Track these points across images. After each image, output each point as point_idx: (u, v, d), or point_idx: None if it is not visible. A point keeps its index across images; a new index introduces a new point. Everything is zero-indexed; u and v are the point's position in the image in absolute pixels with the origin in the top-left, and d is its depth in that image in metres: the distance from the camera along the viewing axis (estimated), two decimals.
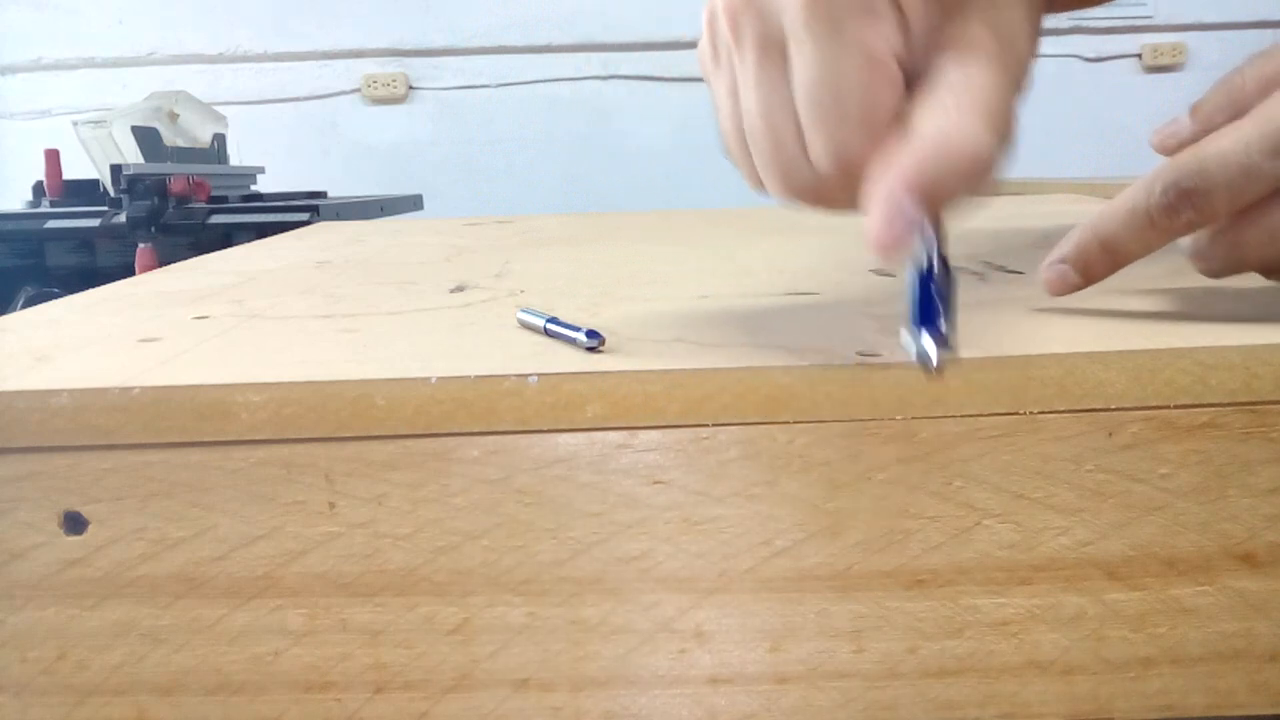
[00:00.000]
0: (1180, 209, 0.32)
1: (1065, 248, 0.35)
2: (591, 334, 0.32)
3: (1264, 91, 0.33)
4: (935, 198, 0.27)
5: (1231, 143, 0.32)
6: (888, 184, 0.27)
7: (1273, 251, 0.33)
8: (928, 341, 0.26)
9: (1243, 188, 0.32)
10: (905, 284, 0.28)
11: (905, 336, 0.27)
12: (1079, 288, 0.35)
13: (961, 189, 0.28)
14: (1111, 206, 0.34)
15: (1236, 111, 0.33)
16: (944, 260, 0.28)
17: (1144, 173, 0.34)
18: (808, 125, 0.29)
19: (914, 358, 0.26)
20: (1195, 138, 0.33)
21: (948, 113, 0.27)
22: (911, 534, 0.29)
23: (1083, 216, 0.36)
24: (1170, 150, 0.34)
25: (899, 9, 0.28)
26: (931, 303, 0.27)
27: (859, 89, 0.28)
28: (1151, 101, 2.78)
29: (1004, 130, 0.28)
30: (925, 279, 0.27)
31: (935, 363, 0.26)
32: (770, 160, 0.31)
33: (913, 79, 0.29)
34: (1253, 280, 0.35)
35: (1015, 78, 0.29)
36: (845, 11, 0.27)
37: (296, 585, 0.30)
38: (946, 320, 0.27)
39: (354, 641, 0.30)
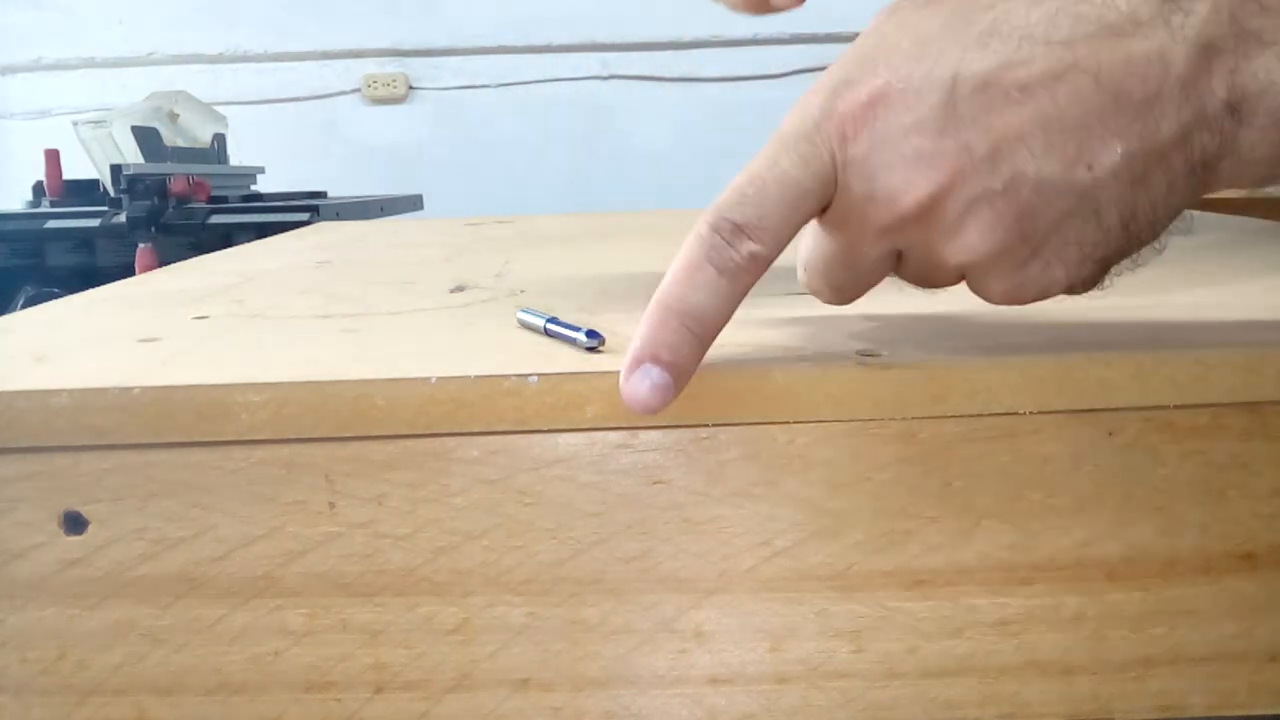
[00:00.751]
0: (737, 243, 0.28)
1: (641, 345, 0.28)
2: (591, 334, 0.32)
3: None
4: None
5: (763, 162, 0.29)
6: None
7: (865, 271, 0.31)
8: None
9: (790, 199, 0.29)
10: None
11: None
12: (676, 389, 0.28)
13: None
14: (671, 277, 0.29)
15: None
16: None
17: None
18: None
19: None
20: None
21: None
22: (911, 534, 0.29)
23: None
24: None
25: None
26: None
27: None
28: None
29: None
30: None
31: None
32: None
33: None
34: (1253, 281, 0.35)
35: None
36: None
37: (296, 585, 0.30)
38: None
39: (354, 641, 0.30)
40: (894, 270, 0.32)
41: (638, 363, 0.28)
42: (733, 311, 0.29)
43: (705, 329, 0.29)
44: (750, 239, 0.29)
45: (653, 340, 0.28)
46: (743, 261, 0.29)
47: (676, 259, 0.29)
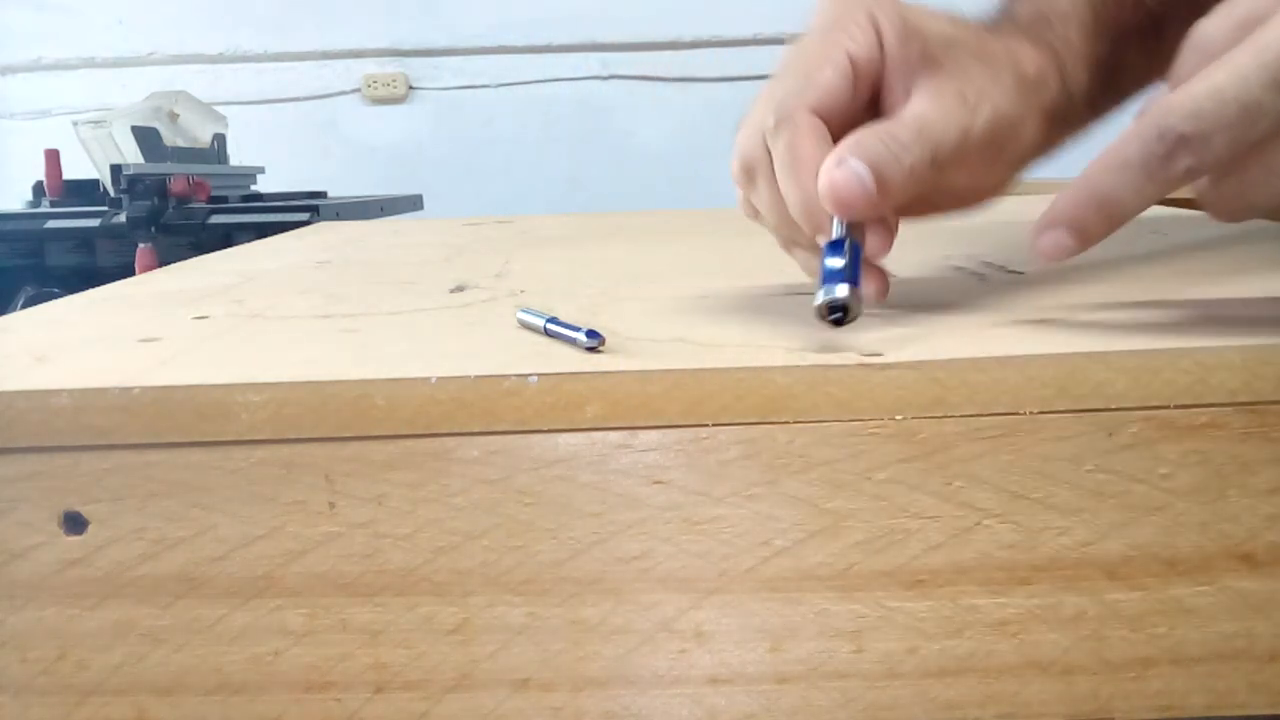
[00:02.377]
0: (1178, 157, 0.29)
1: (1057, 209, 0.32)
2: (591, 334, 0.32)
3: (1242, 33, 0.29)
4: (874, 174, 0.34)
5: (1227, 77, 0.28)
6: (839, 149, 0.35)
7: None
8: (853, 293, 0.32)
9: (1244, 128, 0.29)
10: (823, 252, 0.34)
11: (836, 292, 0.32)
12: (1075, 252, 0.32)
13: (871, 197, 0.34)
14: (1102, 161, 0.31)
15: (1210, 60, 0.30)
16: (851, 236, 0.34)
17: None
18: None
19: (831, 302, 0.32)
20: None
21: (888, 129, 0.35)
22: (911, 534, 0.29)
23: None
24: None
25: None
26: (858, 263, 0.34)
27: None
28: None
29: (915, 162, 0.35)
30: (852, 245, 0.34)
31: (851, 313, 0.32)
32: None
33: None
34: (1253, 281, 0.35)
35: (959, 129, 0.36)
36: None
37: (296, 585, 0.30)
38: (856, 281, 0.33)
39: (354, 641, 0.30)
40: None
41: (1051, 224, 0.32)
42: (1148, 205, 0.31)
43: (1118, 217, 0.32)
44: (1190, 154, 0.29)
45: (1069, 213, 0.32)
46: (1174, 175, 0.30)
47: (1116, 142, 0.31)
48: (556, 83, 2.64)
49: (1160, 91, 0.31)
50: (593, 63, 2.62)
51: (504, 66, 2.67)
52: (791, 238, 0.40)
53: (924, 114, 0.36)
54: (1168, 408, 0.29)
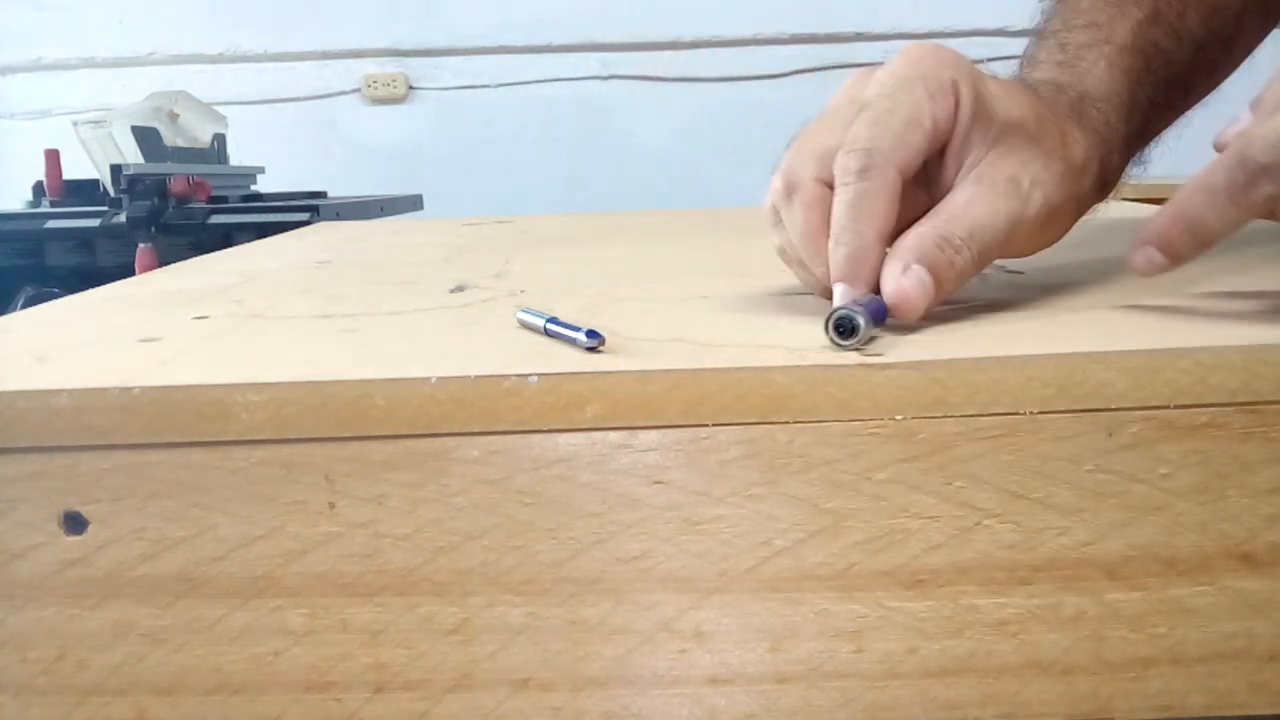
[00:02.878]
0: (1259, 184, 0.32)
1: (1150, 229, 0.35)
2: (591, 334, 0.32)
3: None
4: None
5: None
6: (903, 254, 0.36)
7: None
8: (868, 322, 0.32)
9: None
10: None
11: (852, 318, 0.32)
12: (1166, 269, 0.35)
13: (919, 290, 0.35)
14: (1190, 186, 0.34)
15: None
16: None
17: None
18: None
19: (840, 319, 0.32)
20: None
21: (935, 221, 0.37)
22: (911, 534, 0.29)
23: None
24: None
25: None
26: (883, 311, 0.35)
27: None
28: None
29: (966, 265, 0.36)
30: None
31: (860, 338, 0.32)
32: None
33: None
34: (1253, 281, 0.35)
35: (1009, 221, 0.37)
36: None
37: (296, 585, 0.30)
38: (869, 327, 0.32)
39: (354, 641, 0.30)
40: None
41: (1145, 242, 0.35)
42: (1234, 229, 0.34)
43: (1204, 239, 0.34)
44: (1271, 182, 0.32)
45: (1160, 233, 0.35)
46: (1255, 201, 0.32)
47: (1204, 169, 0.34)
48: (556, 83, 2.64)
49: (1245, 119, 0.35)
50: (593, 63, 2.62)
51: (504, 66, 2.66)
52: (802, 261, 0.40)
53: (977, 212, 0.37)
54: (1168, 408, 0.29)
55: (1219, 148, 0.35)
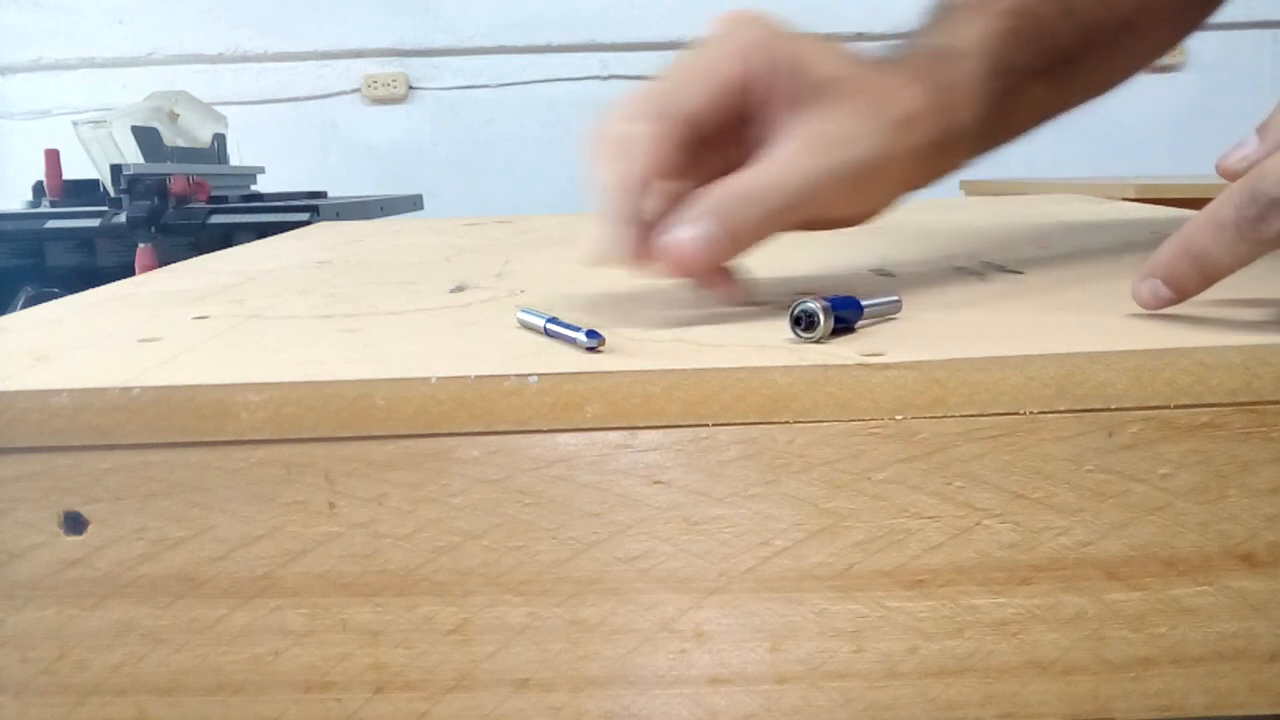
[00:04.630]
0: (1269, 219, 0.31)
1: (1156, 262, 0.34)
2: (591, 334, 0.32)
3: None
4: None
5: None
6: (687, 213, 0.37)
7: None
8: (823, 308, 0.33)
9: None
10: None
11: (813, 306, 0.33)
12: (1172, 302, 0.34)
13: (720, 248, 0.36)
14: (1199, 220, 0.33)
15: None
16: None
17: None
18: None
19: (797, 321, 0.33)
20: (1267, 157, 0.33)
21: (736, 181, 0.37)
22: (911, 534, 0.29)
23: (1080, 215, 0.36)
24: (1241, 173, 0.33)
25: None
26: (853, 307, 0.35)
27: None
28: (1151, 101, 2.78)
29: (763, 217, 0.37)
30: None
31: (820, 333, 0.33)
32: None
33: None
34: (1253, 282, 0.35)
35: (811, 177, 0.37)
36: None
37: (296, 585, 0.30)
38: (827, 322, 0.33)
39: (354, 641, 0.30)
40: None
41: (1148, 276, 0.34)
42: (1243, 265, 0.33)
43: (1212, 274, 0.33)
44: (1276, 217, 0.31)
45: (1167, 268, 0.34)
46: (1266, 237, 0.32)
47: (1213, 203, 0.33)
48: (556, 83, 2.65)
49: (1252, 143, 0.34)
50: (593, 63, 2.62)
51: (504, 66, 2.67)
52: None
53: (777, 168, 0.37)
54: (1168, 408, 0.29)
55: (1222, 172, 0.35)
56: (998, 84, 0.44)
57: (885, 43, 0.45)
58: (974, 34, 0.44)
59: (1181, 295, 0.34)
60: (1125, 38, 0.50)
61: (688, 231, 0.36)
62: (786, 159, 0.37)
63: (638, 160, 0.37)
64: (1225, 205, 0.32)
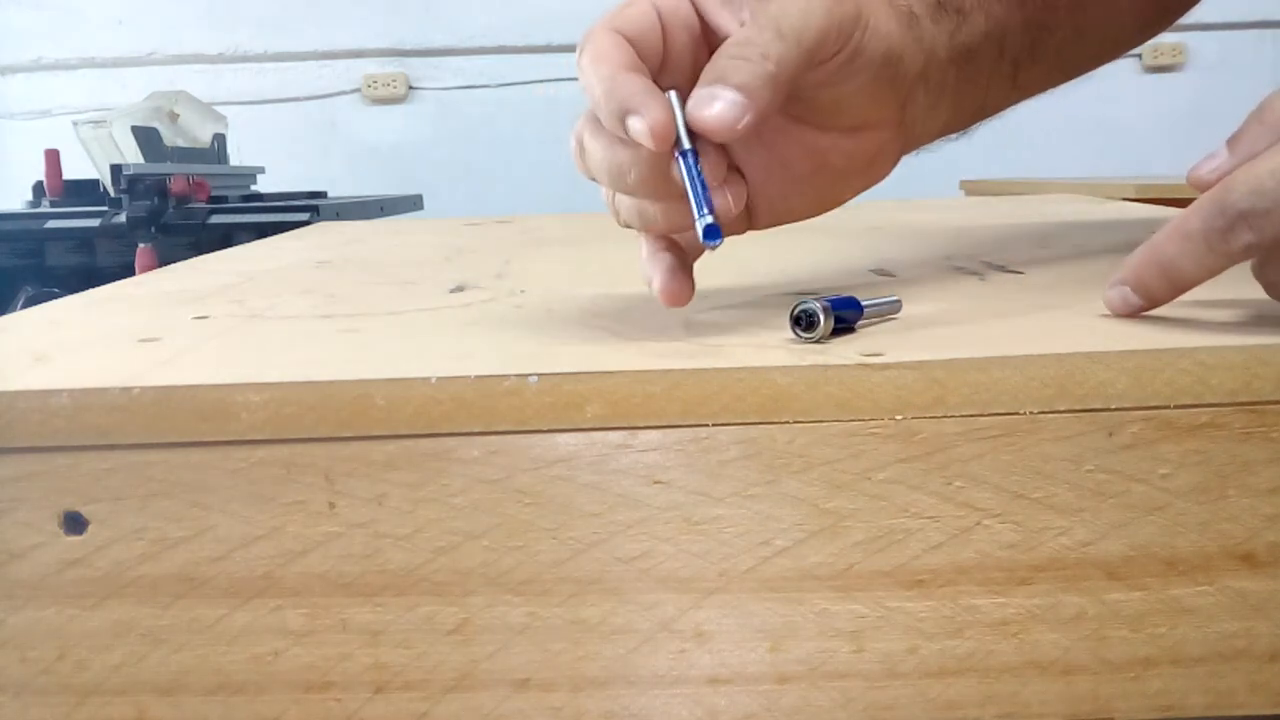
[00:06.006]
0: (1237, 232, 0.31)
1: (1126, 269, 0.34)
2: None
3: None
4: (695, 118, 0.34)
5: None
6: (701, 81, 0.35)
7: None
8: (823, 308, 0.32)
9: None
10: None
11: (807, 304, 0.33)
12: (1143, 309, 0.34)
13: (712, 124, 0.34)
14: (1168, 229, 0.33)
15: (1276, 139, 0.32)
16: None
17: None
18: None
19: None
20: (1236, 169, 0.32)
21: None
22: (911, 534, 0.29)
23: (1080, 215, 0.36)
24: (1212, 184, 0.33)
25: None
26: (853, 307, 0.34)
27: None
28: (1151, 101, 2.78)
29: (782, 59, 0.35)
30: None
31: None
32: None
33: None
34: (1252, 282, 0.35)
35: (821, 19, 0.36)
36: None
37: (296, 585, 0.30)
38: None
39: (354, 641, 0.30)
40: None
41: (1119, 283, 0.35)
42: (1211, 275, 0.33)
43: (1180, 284, 0.33)
44: (1249, 230, 0.31)
45: (1136, 276, 0.34)
46: (1234, 249, 0.31)
47: (1183, 213, 0.32)
48: (556, 83, 2.65)
49: (1222, 154, 0.34)
50: None
51: (504, 66, 2.67)
52: (619, 182, 0.38)
53: (779, 8, 0.35)
54: (1168, 408, 0.29)
55: (1193, 183, 0.35)
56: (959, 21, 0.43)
57: None
58: None
59: (1151, 303, 0.34)
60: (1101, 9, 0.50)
61: (730, 91, 0.34)
62: (786, 4, 0.36)
63: (608, 62, 0.36)
64: (1193, 216, 0.32)
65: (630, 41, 0.37)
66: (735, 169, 0.38)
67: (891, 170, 0.43)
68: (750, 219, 0.40)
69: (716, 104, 0.34)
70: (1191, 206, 0.32)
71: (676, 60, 0.38)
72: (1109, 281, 0.35)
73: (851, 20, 0.37)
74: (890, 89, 0.40)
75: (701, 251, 0.39)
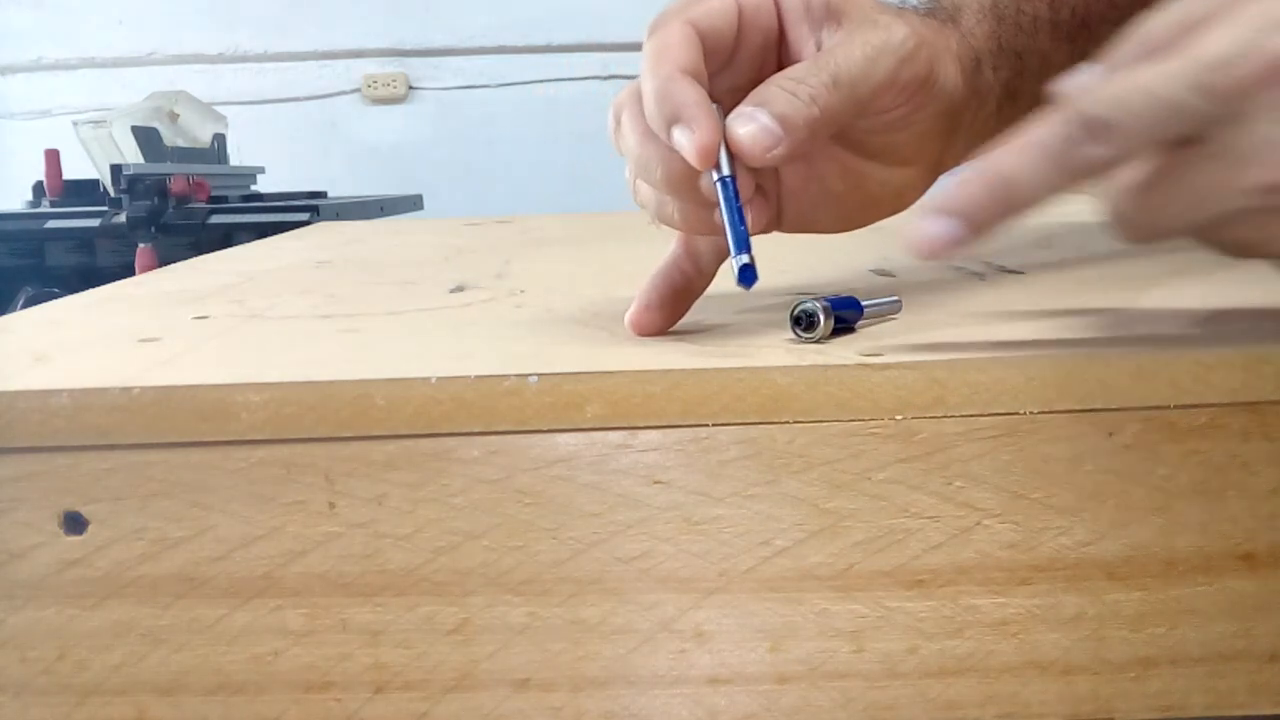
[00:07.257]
0: (1088, 142, 0.28)
1: (946, 196, 0.29)
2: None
3: (1184, 33, 0.29)
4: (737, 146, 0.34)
5: (1155, 75, 0.28)
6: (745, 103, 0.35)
7: (1199, 215, 0.29)
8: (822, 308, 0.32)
9: (1162, 122, 0.27)
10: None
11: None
12: (962, 244, 0.29)
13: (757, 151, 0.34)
14: (1009, 145, 0.29)
15: (1148, 55, 0.29)
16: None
17: None
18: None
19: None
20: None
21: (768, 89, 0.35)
22: (911, 534, 0.29)
23: (1082, 215, 0.36)
24: None
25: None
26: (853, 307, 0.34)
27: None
28: None
29: (812, 90, 0.34)
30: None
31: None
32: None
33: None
34: (1252, 282, 0.35)
35: (869, 50, 0.35)
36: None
37: (296, 585, 0.30)
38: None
39: (354, 641, 0.30)
40: (1213, 233, 0.30)
41: (938, 211, 0.29)
42: (1051, 195, 0.29)
43: (1014, 202, 0.29)
44: (1101, 141, 0.28)
45: (962, 198, 0.29)
46: (1082, 162, 0.28)
47: (1028, 128, 0.29)
48: (556, 83, 2.64)
49: (1092, 73, 0.30)
50: (593, 63, 2.62)
51: (504, 66, 2.66)
52: (645, 173, 0.38)
53: (830, 54, 0.35)
54: (1168, 408, 0.29)
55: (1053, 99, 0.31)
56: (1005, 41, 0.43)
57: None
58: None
59: (975, 229, 0.29)
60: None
61: (770, 120, 0.34)
62: (841, 44, 0.36)
63: (665, 64, 0.35)
64: (1042, 126, 0.29)
65: (702, 35, 0.36)
66: (763, 189, 0.37)
67: (918, 200, 0.42)
68: (778, 221, 0.40)
69: (752, 126, 0.34)
70: (1040, 119, 0.29)
71: (744, 63, 0.38)
72: (920, 212, 0.30)
73: (918, 81, 0.37)
74: (941, 137, 0.40)
75: (713, 275, 0.38)
